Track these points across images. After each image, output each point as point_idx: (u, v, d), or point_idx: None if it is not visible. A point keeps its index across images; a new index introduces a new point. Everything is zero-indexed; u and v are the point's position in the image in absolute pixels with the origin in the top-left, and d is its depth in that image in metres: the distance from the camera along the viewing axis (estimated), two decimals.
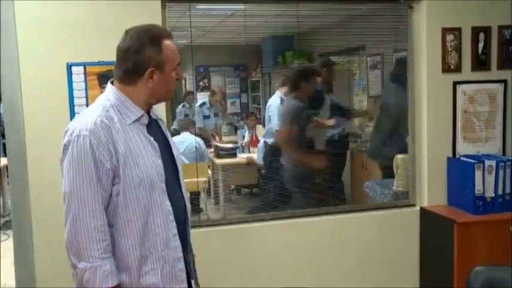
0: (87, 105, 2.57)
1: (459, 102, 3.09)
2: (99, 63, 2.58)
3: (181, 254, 1.68)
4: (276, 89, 4.79)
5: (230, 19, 3.74)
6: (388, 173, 3.55)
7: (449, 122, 3.09)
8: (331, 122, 4.28)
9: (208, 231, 2.87)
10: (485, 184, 2.92)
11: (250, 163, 5.19)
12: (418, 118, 3.14)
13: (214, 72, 8.39)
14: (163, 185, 1.63)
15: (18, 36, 2.51)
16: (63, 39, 2.55)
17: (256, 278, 2.90)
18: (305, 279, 2.97)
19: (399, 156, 3.42)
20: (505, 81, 3.13)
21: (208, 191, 5.23)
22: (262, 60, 7.68)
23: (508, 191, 2.96)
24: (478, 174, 2.91)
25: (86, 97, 2.59)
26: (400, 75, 3.35)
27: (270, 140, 4.39)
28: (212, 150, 5.57)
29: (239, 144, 5.76)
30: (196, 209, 4.15)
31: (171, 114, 3.99)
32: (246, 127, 6.28)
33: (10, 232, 3.44)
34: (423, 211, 3.12)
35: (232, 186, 5.83)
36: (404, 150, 3.30)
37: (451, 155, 3.10)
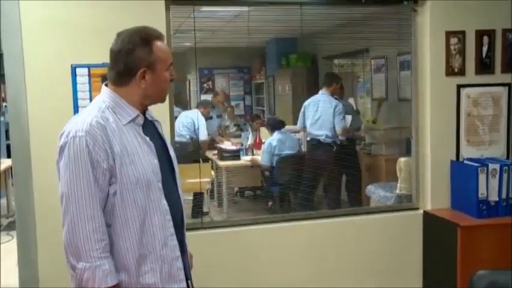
0: None
1: (463, 105, 3.08)
2: (103, 65, 2.56)
3: (179, 253, 1.68)
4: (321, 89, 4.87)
5: (234, 21, 3.75)
6: None
7: (453, 125, 3.08)
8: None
9: (211, 233, 2.87)
10: (489, 188, 2.91)
11: (254, 165, 5.20)
12: (421, 121, 3.13)
13: (218, 75, 8.41)
14: (160, 184, 1.63)
15: (23, 38, 2.52)
16: (68, 41, 2.57)
17: (258, 280, 2.90)
18: (308, 282, 2.97)
19: (402, 159, 3.42)
20: (509, 85, 3.12)
21: (211, 193, 5.24)
22: (266, 62, 7.70)
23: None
24: (482, 177, 2.90)
25: (90, 99, 2.59)
26: None
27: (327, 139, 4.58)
28: (216, 152, 5.58)
29: (243, 147, 5.76)
30: (199, 211, 4.15)
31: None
32: (249, 129, 6.28)
33: (13, 233, 3.46)
34: (426, 214, 3.11)
35: (236, 189, 5.83)
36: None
37: (454, 159, 3.09)
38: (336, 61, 6.35)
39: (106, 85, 1.68)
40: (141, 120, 1.66)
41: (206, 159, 5.40)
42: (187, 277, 1.78)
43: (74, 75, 2.59)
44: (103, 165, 1.53)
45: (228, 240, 2.89)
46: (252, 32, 3.62)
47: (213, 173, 5.21)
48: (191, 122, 5.47)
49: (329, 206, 4.55)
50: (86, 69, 2.60)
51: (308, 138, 4.84)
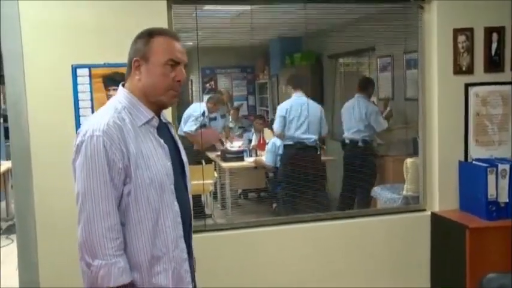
0: (92, 107, 2.56)
1: (471, 104, 3.03)
2: (104, 65, 2.55)
3: (186, 256, 1.70)
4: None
5: (237, 20, 3.71)
6: None
7: (461, 124, 3.04)
8: None
9: (215, 235, 2.84)
10: (498, 189, 2.86)
11: (258, 166, 5.15)
12: (428, 121, 3.08)
13: (220, 74, 8.37)
14: (173, 186, 1.65)
15: (23, 38, 2.50)
16: (68, 41, 2.54)
17: (263, 284, 2.86)
18: (314, 284, 2.93)
19: (409, 160, 3.37)
20: None
21: (214, 195, 5.20)
22: (269, 61, 7.65)
23: None
24: (491, 178, 2.85)
25: (91, 99, 2.57)
26: None
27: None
28: (219, 153, 5.54)
29: (246, 148, 5.71)
30: (202, 214, 4.11)
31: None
32: (253, 130, 6.23)
33: (13, 237, 3.42)
34: (434, 216, 3.06)
35: (239, 191, 5.79)
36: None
37: (462, 159, 3.04)
38: (341, 60, 6.29)
39: (123, 85, 1.70)
40: (156, 122, 1.68)
41: (209, 161, 5.35)
42: (192, 280, 1.79)
43: (74, 75, 2.56)
44: (119, 165, 1.55)
45: (232, 243, 2.86)
46: (255, 30, 3.58)
47: (216, 174, 5.17)
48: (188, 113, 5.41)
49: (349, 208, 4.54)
50: (87, 69, 2.56)
51: (347, 141, 4.80)
